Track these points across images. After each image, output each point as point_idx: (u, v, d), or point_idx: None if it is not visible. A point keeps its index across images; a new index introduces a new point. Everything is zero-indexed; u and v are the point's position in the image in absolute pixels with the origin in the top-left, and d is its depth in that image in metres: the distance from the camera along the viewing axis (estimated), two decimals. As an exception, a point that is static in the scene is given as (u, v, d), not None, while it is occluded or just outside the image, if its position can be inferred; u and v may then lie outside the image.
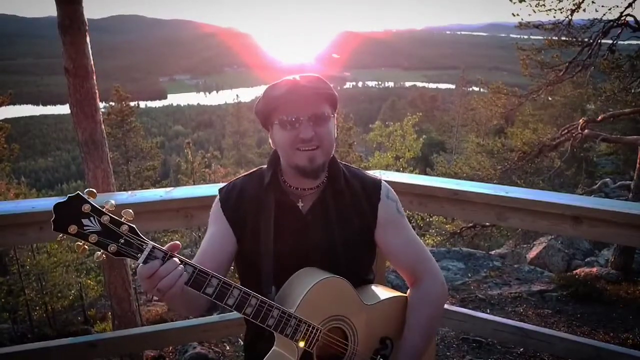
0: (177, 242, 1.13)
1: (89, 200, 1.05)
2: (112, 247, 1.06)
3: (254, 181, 1.48)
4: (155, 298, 11.71)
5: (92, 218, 1.04)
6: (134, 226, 1.09)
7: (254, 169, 1.54)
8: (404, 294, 1.52)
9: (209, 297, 1.15)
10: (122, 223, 1.07)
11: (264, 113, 1.39)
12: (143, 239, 1.09)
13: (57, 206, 1.02)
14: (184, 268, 1.12)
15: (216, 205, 1.47)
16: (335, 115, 1.43)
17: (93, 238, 1.04)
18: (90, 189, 1.06)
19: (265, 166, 1.50)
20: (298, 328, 1.25)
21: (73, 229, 1.03)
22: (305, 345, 1.27)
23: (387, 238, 1.48)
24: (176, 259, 1.10)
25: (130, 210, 1.08)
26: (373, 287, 1.53)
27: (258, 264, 1.38)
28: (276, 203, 1.41)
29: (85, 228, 1.04)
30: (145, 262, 1.07)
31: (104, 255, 1.06)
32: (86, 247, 1.05)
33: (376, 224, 1.47)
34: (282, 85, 1.36)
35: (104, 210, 1.06)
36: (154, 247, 1.09)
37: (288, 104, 1.33)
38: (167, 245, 1.12)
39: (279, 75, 1.43)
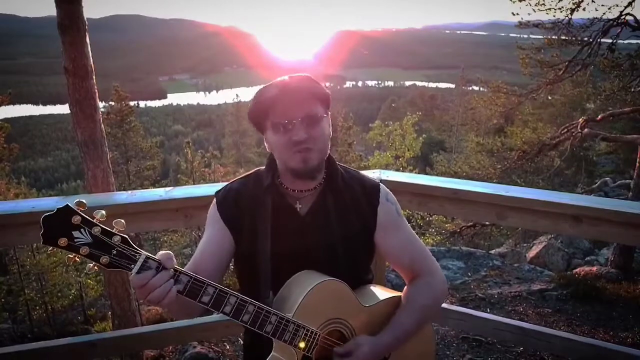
0: (170, 252, 1.11)
1: (79, 211, 1.02)
2: (104, 259, 1.04)
3: (250, 183, 1.47)
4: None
5: (82, 230, 1.02)
6: (127, 236, 1.07)
7: (250, 172, 1.53)
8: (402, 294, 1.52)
9: (205, 305, 1.15)
10: (114, 234, 1.05)
11: (257, 117, 1.38)
12: (136, 249, 1.07)
13: (46, 218, 1.00)
14: (179, 277, 1.11)
15: (213, 208, 1.47)
16: (329, 114, 1.42)
17: (84, 250, 1.02)
18: (80, 200, 1.04)
19: (262, 168, 1.50)
20: (297, 333, 1.24)
21: (63, 241, 1.00)
22: (304, 350, 1.26)
23: (387, 240, 1.48)
24: (170, 271, 1.09)
25: (122, 220, 1.06)
26: (371, 288, 1.52)
27: (256, 266, 1.37)
28: (273, 205, 1.41)
29: (75, 240, 1.01)
30: (138, 272, 1.06)
31: (96, 267, 1.05)
32: (77, 259, 1.03)
33: (376, 226, 1.47)
34: (272, 87, 1.35)
35: (94, 221, 1.04)
36: (147, 258, 1.07)
37: (279, 106, 1.32)
38: (159, 254, 1.10)
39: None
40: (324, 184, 1.45)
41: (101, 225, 1.04)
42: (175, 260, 1.11)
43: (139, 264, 1.06)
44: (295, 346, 1.25)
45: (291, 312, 1.25)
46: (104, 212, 1.05)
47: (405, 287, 1.51)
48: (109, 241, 1.04)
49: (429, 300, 1.46)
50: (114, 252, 1.05)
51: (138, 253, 1.07)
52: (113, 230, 1.06)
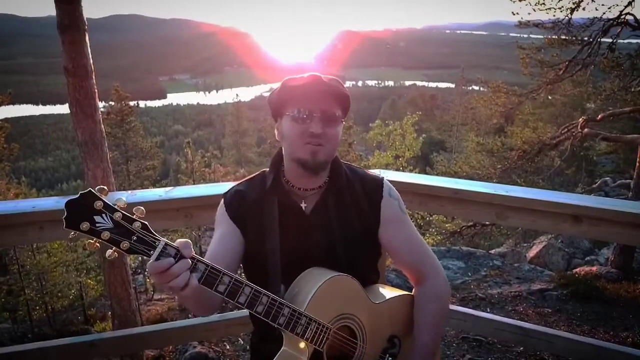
0: (188, 240, 1.12)
1: (101, 197, 1.04)
2: (125, 244, 1.05)
3: (256, 185, 1.49)
4: (155, 297, 11.73)
5: (104, 215, 1.04)
6: (146, 223, 1.08)
7: (255, 173, 1.55)
8: (410, 293, 1.53)
9: (221, 294, 1.15)
10: (134, 220, 1.07)
11: (280, 101, 1.40)
12: (155, 235, 1.09)
13: (69, 203, 1.01)
14: (196, 265, 1.12)
15: (221, 208, 1.48)
16: (344, 121, 1.44)
17: (105, 235, 1.03)
18: (102, 186, 1.05)
19: (267, 169, 1.51)
20: (308, 327, 1.25)
21: (85, 226, 1.02)
22: (315, 344, 1.27)
23: (391, 237, 1.49)
24: (188, 260, 1.10)
25: (142, 208, 1.08)
26: (378, 287, 1.53)
27: (265, 265, 1.38)
28: (279, 204, 1.42)
29: (97, 225, 1.03)
30: (157, 259, 1.07)
31: (116, 253, 1.06)
32: (98, 244, 1.05)
33: (379, 222, 1.47)
34: (302, 78, 1.38)
35: (116, 207, 1.05)
36: (166, 244, 1.08)
37: (305, 95, 1.35)
38: (177, 241, 1.11)
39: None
40: (328, 183, 1.46)
41: (122, 211, 1.06)
42: (192, 248, 1.12)
43: (158, 250, 1.07)
44: (306, 340, 1.25)
45: (303, 305, 1.25)
46: (124, 198, 1.06)
47: (414, 294, 1.51)
48: (129, 227, 1.06)
49: (438, 304, 1.48)
50: (134, 237, 1.06)
51: (157, 239, 1.08)
52: (133, 217, 1.07)
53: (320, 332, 1.27)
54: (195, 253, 1.15)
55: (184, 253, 1.09)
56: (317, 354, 1.29)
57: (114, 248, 1.05)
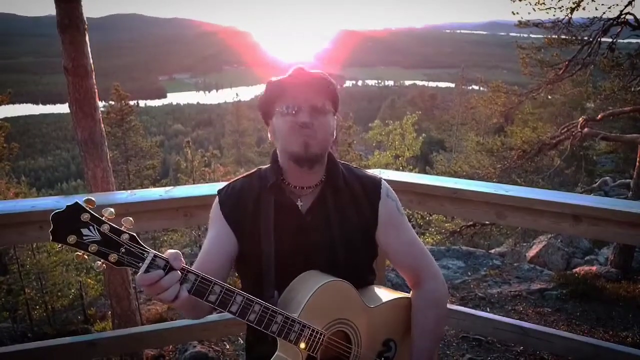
0: (178, 251, 1.10)
1: (88, 209, 1.02)
2: (113, 257, 1.04)
3: (253, 182, 1.47)
4: (155, 297, 11.71)
5: (91, 227, 1.02)
6: (135, 234, 1.07)
7: (253, 170, 1.53)
8: (407, 295, 1.52)
9: (212, 304, 1.15)
10: (123, 232, 1.05)
11: (267, 101, 1.39)
12: (144, 247, 1.07)
13: (55, 216, 1.00)
14: (187, 276, 1.11)
15: (215, 206, 1.46)
16: (336, 115, 1.43)
17: (93, 248, 1.02)
18: (89, 198, 1.04)
19: (265, 167, 1.50)
20: (302, 333, 1.24)
21: (72, 239, 1.01)
22: (309, 350, 1.26)
23: (388, 238, 1.48)
24: (178, 272, 1.09)
25: (131, 218, 1.06)
26: (375, 289, 1.52)
27: (259, 265, 1.37)
28: (275, 203, 1.41)
29: (84, 238, 1.02)
30: (146, 271, 1.06)
31: (104, 265, 1.04)
32: (86, 256, 1.04)
33: (377, 223, 1.46)
34: (286, 75, 1.38)
35: (103, 218, 1.04)
36: (155, 256, 1.07)
37: (289, 91, 1.34)
38: (167, 252, 1.10)
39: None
40: (324, 182, 1.45)
41: (110, 223, 1.04)
42: (183, 259, 1.11)
43: (146, 262, 1.06)
44: (299, 346, 1.25)
45: (297, 312, 1.25)
46: (112, 209, 1.04)
47: (412, 298, 1.50)
48: (117, 239, 1.05)
49: (437, 308, 1.47)
50: (123, 250, 1.05)
51: (146, 251, 1.07)
52: (122, 228, 1.06)
53: (314, 338, 1.27)
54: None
55: (173, 265, 1.08)
56: (312, 358, 1.29)
57: (102, 260, 1.04)
